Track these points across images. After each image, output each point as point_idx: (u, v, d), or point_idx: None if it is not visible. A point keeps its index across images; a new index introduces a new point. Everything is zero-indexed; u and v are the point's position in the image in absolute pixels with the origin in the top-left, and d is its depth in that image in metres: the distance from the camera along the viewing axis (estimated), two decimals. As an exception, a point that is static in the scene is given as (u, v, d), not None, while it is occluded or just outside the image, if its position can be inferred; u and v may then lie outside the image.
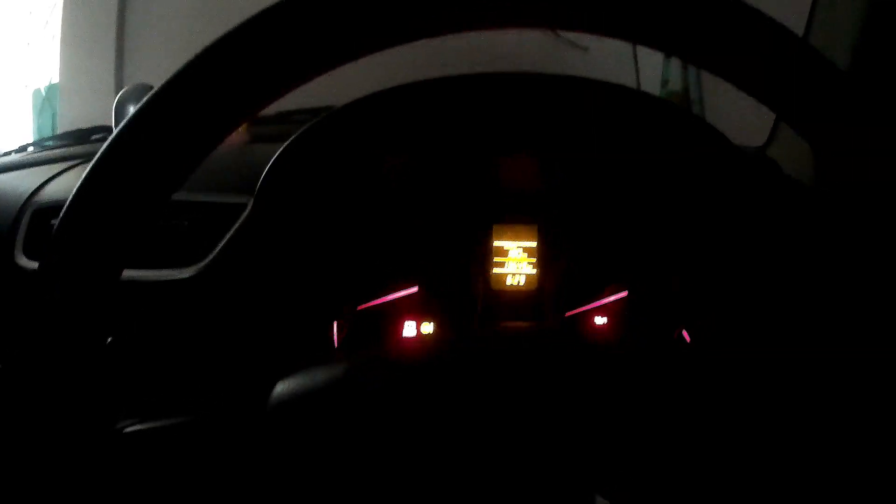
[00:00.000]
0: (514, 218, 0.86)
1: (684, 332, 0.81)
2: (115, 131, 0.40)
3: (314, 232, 0.82)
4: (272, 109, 0.48)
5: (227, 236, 0.79)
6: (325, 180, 0.81)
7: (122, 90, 1.03)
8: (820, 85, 0.39)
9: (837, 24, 0.77)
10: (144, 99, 0.39)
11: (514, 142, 0.81)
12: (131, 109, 0.96)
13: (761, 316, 0.73)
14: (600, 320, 0.84)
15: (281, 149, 0.77)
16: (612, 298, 0.84)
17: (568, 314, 0.84)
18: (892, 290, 0.42)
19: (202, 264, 0.79)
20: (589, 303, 0.84)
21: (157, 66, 1.90)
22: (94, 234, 0.40)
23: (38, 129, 2.53)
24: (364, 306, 0.84)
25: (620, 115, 0.76)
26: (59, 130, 2.21)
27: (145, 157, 0.39)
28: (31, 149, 1.36)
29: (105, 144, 0.39)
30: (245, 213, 0.79)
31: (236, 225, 0.79)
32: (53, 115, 2.39)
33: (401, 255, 0.85)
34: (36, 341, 0.41)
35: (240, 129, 0.42)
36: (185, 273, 0.79)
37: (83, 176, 0.40)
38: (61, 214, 0.40)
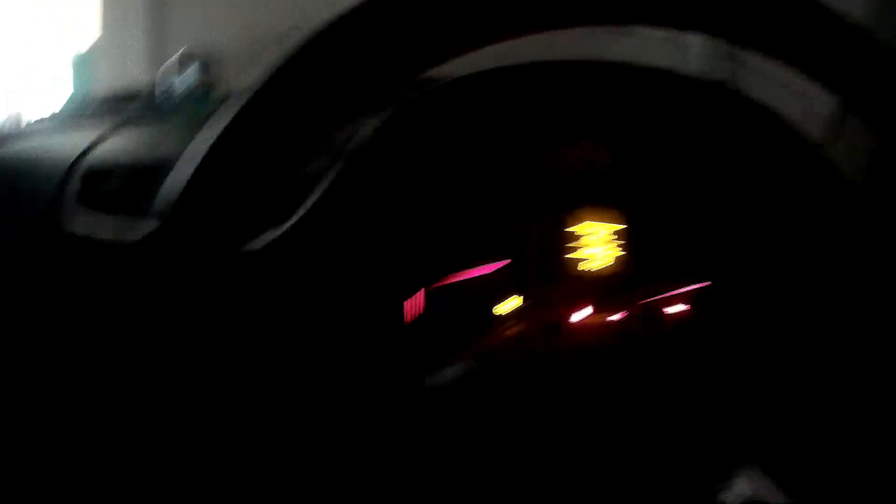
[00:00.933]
0: (602, 200, 0.86)
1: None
2: (258, 83, 0.38)
3: (398, 203, 0.79)
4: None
5: (310, 201, 0.74)
6: (416, 154, 0.78)
7: (169, 60, 1.03)
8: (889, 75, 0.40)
9: None
10: (288, 51, 0.38)
11: (579, 128, 0.81)
12: (176, 81, 0.98)
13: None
14: (680, 308, 0.84)
15: (380, 117, 0.74)
16: (693, 287, 0.84)
17: (650, 300, 0.84)
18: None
19: (281, 230, 0.72)
20: (671, 289, 0.84)
21: (195, 34, 1.90)
22: (222, 202, 0.38)
23: (74, 94, 2.53)
24: (442, 283, 0.82)
25: (679, 100, 0.76)
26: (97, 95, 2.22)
27: (298, 107, 0.38)
28: (65, 114, 1.35)
29: (246, 96, 0.38)
30: (331, 177, 0.74)
31: (321, 188, 0.74)
32: (89, 81, 2.39)
33: (485, 231, 0.83)
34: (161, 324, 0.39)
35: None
36: (260, 243, 0.77)
37: (217, 130, 0.38)
38: (188, 176, 0.38)
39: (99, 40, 2.31)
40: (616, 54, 0.78)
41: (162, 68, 1.01)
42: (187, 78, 0.99)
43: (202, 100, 1.04)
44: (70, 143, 1.04)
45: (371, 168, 0.75)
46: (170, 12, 2.02)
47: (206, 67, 1.02)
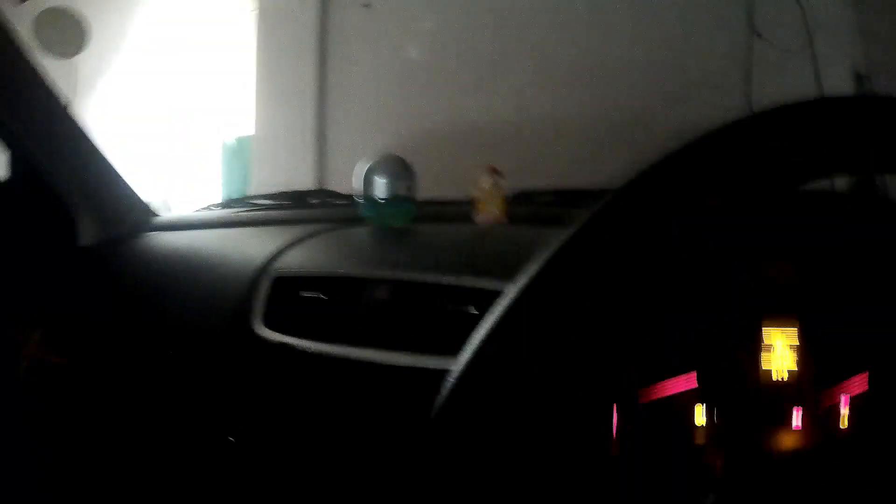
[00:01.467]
0: (778, 312, 0.84)
1: None
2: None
3: (597, 316, 0.76)
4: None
5: (492, 325, 0.74)
6: (614, 262, 0.75)
7: (374, 160, 0.98)
8: None
9: None
10: None
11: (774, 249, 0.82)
12: (383, 180, 0.93)
13: None
14: (844, 410, 0.81)
15: (567, 233, 0.71)
16: (858, 389, 0.81)
17: (823, 407, 0.82)
18: None
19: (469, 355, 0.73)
20: (839, 393, 0.82)
21: (358, 123, 1.90)
22: None
23: (227, 182, 2.56)
24: (644, 398, 0.81)
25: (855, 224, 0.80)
26: (253, 185, 2.24)
27: None
28: (236, 206, 1.33)
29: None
30: (512, 299, 0.73)
31: (501, 313, 0.74)
32: (244, 169, 2.41)
33: (677, 344, 0.81)
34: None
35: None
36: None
37: None
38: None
39: (257, 128, 2.33)
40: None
41: (370, 165, 0.96)
42: (393, 181, 0.94)
43: (404, 207, 0.99)
44: (256, 243, 1.00)
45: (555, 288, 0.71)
46: (332, 101, 2.03)
47: (411, 174, 0.96)
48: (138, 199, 1.20)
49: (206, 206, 1.41)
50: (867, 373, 0.83)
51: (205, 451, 0.95)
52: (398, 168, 0.97)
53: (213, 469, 0.94)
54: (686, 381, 0.82)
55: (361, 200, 0.99)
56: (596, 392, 0.78)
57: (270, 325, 0.88)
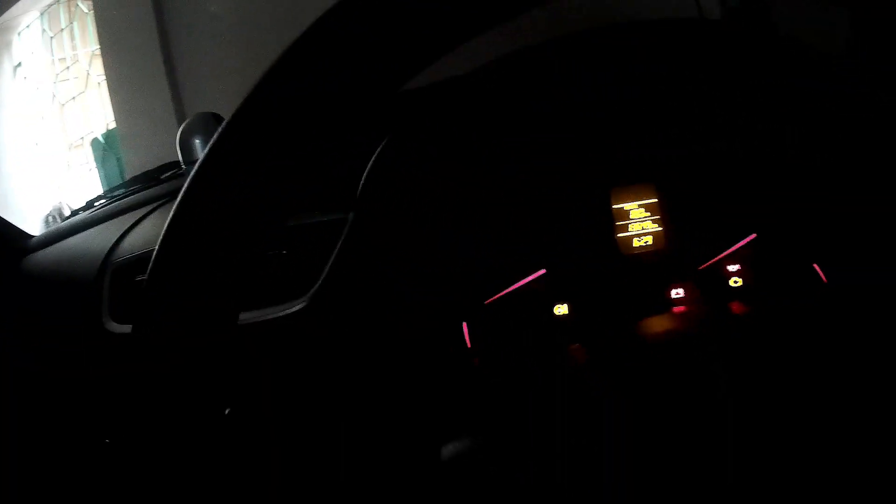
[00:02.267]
0: (629, 179, 0.81)
1: (818, 269, 0.77)
2: (208, 149, 0.34)
3: (424, 233, 0.76)
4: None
5: (334, 256, 0.73)
6: (427, 176, 0.74)
7: (185, 123, 0.95)
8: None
9: None
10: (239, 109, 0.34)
11: (609, 101, 0.77)
12: (197, 140, 0.91)
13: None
14: (733, 267, 0.80)
15: (378, 151, 0.71)
16: (741, 244, 0.80)
17: (701, 267, 0.80)
18: None
19: (313, 291, 0.73)
20: (719, 252, 0.80)
21: (214, 91, 1.85)
22: (199, 280, 0.35)
23: (106, 177, 2.51)
24: (491, 299, 0.79)
25: (702, 47, 0.73)
26: (129, 174, 2.20)
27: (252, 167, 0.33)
28: (97, 203, 1.31)
29: (195, 169, 0.34)
30: (348, 227, 0.73)
31: (341, 242, 0.73)
32: (119, 161, 2.36)
33: (520, 240, 0.79)
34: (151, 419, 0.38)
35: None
36: (298, 305, 0.73)
37: (172, 213, 0.34)
38: (151, 265, 0.35)
39: (118, 121, 2.27)
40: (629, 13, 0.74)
41: (182, 128, 0.94)
42: (208, 138, 0.91)
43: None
44: (102, 238, 0.98)
45: (383, 208, 0.73)
46: (184, 78, 1.98)
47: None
48: (8, 227, 1.18)
49: (69, 213, 1.39)
50: (742, 228, 0.80)
51: (83, 455, 0.96)
52: (210, 124, 0.94)
53: (92, 471, 0.94)
54: (535, 277, 0.80)
55: (185, 167, 0.97)
56: (438, 312, 0.78)
57: (117, 318, 0.86)
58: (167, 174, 1.25)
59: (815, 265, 0.77)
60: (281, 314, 0.73)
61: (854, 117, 0.70)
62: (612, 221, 0.80)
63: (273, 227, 0.37)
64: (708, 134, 0.78)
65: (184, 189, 0.34)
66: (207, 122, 0.95)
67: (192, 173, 0.34)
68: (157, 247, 0.35)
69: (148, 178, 1.26)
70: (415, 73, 0.35)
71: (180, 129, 0.95)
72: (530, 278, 0.79)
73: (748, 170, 0.78)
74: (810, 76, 0.70)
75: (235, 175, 0.34)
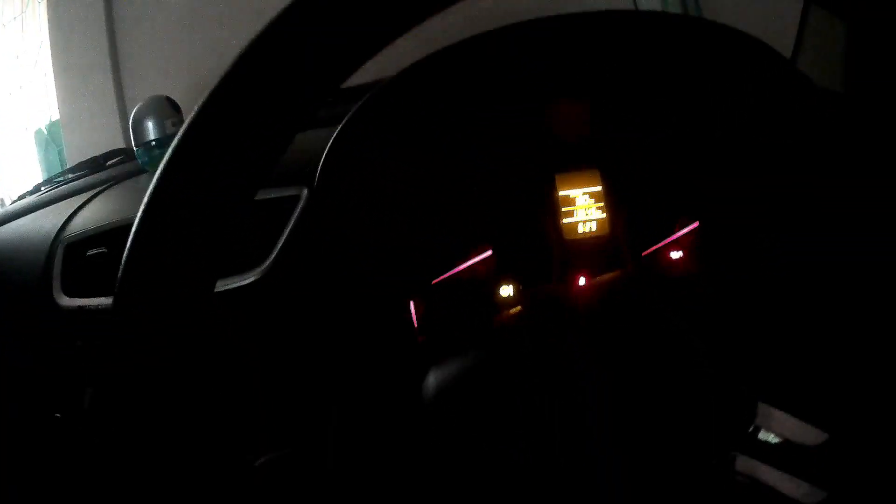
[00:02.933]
0: (575, 165, 0.83)
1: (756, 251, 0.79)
2: (183, 128, 0.35)
3: (376, 212, 0.78)
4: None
5: (287, 230, 0.75)
6: (381, 158, 0.77)
7: (138, 106, 0.98)
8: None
9: None
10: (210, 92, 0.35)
11: (559, 88, 0.79)
12: (150, 123, 0.93)
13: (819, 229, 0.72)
14: (676, 254, 0.81)
15: (337, 131, 0.73)
16: (684, 231, 0.81)
17: (644, 253, 0.82)
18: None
19: (266, 265, 0.75)
20: (662, 239, 0.82)
21: (156, 81, 1.86)
22: (178, 249, 0.37)
23: (47, 167, 2.50)
24: (437, 280, 0.80)
25: (644, 41, 0.75)
26: (70, 161, 2.19)
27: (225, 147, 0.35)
28: (44, 188, 1.32)
29: (174, 143, 0.35)
30: (302, 204, 0.76)
31: (294, 217, 0.76)
32: (60, 152, 2.35)
33: (466, 221, 0.81)
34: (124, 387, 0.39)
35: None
36: (250, 277, 0.75)
37: (156, 178, 0.36)
38: (133, 235, 0.36)
39: (61, 110, 2.26)
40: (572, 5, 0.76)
41: (135, 112, 0.96)
42: (160, 121, 0.94)
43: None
44: (51, 218, 1.00)
45: (337, 186, 0.75)
46: (127, 69, 1.99)
47: (177, 108, 0.96)
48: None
49: (17, 197, 1.39)
50: (685, 216, 0.81)
51: (35, 430, 0.97)
52: (163, 108, 0.97)
53: (44, 447, 0.95)
54: (481, 258, 0.81)
55: (137, 150, 0.99)
56: (386, 290, 0.79)
57: (68, 292, 0.88)
58: (112, 161, 1.27)
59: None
60: (233, 286, 0.76)
61: (793, 105, 0.73)
62: (557, 206, 0.82)
63: (247, 200, 0.39)
64: (653, 122, 0.81)
65: (164, 163, 0.36)
66: (161, 104, 0.97)
67: (172, 148, 0.36)
68: (138, 218, 0.37)
69: (94, 164, 1.28)
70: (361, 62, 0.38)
71: (134, 111, 0.98)
72: (476, 259, 0.81)
73: (692, 158, 0.80)
74: (750, 66, 0.73)
75: (215, 148, 0.36)
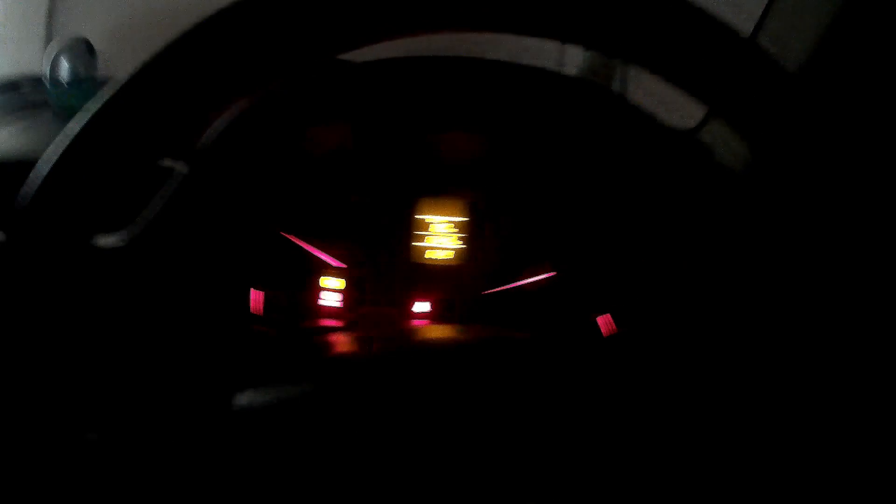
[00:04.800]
0: (445, 192, 0.86)
1: (609, 318, 0.81)
2: (103, 96, 0.39)
3: (245, 202, 0.80)
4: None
5: (160, 201, 0.75)
6: (264, 153, 0.79)
7: (56, 41, 1.00)
8: (765, 86, 0.40)
9: (792, 27, 0.77)
10: (136, 69, 0.39)
11: (446, 120, 0.81)
12: (64, 61, 0.94)
13: (688, 301, 0.73)
14: (523, 300, 0.84)
15: (223, 119, 0.74)
16: (536, 278, 0.83)
17: (486, 292, 0.84)
18: (818, 285, 0.43)
19: (134, 230, 0.73)
20: (514, 281, 0.84)
21: (88, 16, 1.83)
22: (76, 201, 0.40)
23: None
24: (279, 276, 0.83)
25: (548, 98, 0.77)
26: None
27: (143, 121, 0.39)
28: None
29: (96, 106, 0.39)
30: (180, 178, 0.75)
31: (169, 189, 0.75)
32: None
33: (327, 226, 0.84)
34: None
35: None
36: (113, 239, 0.76)
37: (66, 141, 0.39)
38: (39, 180, 0.39)
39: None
40: (501, 52, 0.78)
41: (50, 49, 0.98)
42: (76, 64, 0.96)
43: (88, 87, 0.99)
44: None
45: (216, 169, 0.75)
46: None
47: (93, 53, 0.99)
48: None
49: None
50: (541, 264, 0.83)
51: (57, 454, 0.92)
52: (81, 50, 0.99)
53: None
54: (337, 264, 0.84)
55: (48, 84, 1.01)
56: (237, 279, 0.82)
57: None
58: (26, 88, 1.27)
59: (608, 315, 0.81)
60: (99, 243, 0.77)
61: (685, 187, 0.74)
62: (410, 229, 0.85)
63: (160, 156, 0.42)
64: (534, 171, 0.83)
65: (98, 108, 0.39)
66: (80, 46, 0.99)
67: (107, 98, 0.39)
68: (58, 154, 0.39)
69: (5, 87, 1.27)
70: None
71: (52, 46, 0.99)
72: (330, 261, 0.84)
73: (557, 211, 0.83)
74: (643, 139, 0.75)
75: (148, 107, 0.40)
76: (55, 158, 0.39)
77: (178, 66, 0.39)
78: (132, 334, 0.62)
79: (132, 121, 0.39)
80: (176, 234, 0.75)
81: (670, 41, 0.40)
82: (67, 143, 0.39)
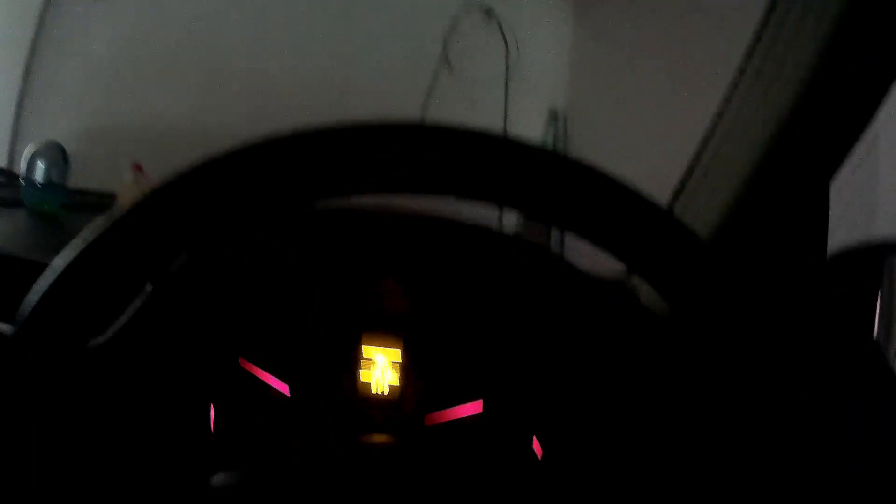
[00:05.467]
0: (383, 329, 0.89)
1: (536, 445, 0.85)
2: (110, 221, 0.46)
3: (204, 323, 0.80)
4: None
5: (130, 311, 0.74)
6: (226, 282, 0.80)
7: (37, 145, 1.04)
8: (679, 252, 0.46)
9: (705, 198, 0.84)
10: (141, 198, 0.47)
11: (385, 268, 0.86)
12: (41, 164, 0.99)
13: (613, 434, 0.76)
14: (457, 430, 0.87)
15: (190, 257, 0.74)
16: (467, 411, 0.87)
17: (427, 424, 0.88)
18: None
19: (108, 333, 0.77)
20: (446, 413, 0.87)
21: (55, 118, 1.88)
22: (78, 308, 0.46)
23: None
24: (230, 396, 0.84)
25: (479, 251, 0.83)
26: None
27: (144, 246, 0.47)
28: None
29: (101, 227, 0.46)
30: (145, 296, 0.73)
31: (138, 302, 0.72)
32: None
33: (275, 352, 0.86)
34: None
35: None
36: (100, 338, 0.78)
37: (74, 251, 0.45)
38: (46, 286, 0.45)
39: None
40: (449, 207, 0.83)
41: (28, 149, 1.02)
42: (50, 168, 1.00)
43: (59, 191, 1.06)
44: None
45: (174, 295, 0.75)
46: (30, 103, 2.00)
47: (66, 160, 1.03)
48: None
49: None
50: (472, 397, 0.84)
51: None
52: (57, 156, 1.04)
53: None
54: (276, 386, 0.84)
55: (22, 183, 1.05)
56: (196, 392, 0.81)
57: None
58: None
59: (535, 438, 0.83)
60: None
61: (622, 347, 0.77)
62: (357, 360, 0.87)
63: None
64: (466, 317, 0.87)
65: (111, 221, 0.46)
66: (56, 152, 1.05)
67: (100, 230, 0.46)
68: (69, 260, 0.45)
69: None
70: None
71: (31, 147, 1.04)
72: (273, 384, 0.85)
73: (490, 347, 0.85)
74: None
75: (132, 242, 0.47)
76: (53, 278, 0.45)
77: (163, 206, 0.47)
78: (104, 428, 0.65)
79: (115, 253, 0.46)
80: (140, 342, 0.77)
81: (593, 211, 0.46)
82: (63, 266, 0.45)
